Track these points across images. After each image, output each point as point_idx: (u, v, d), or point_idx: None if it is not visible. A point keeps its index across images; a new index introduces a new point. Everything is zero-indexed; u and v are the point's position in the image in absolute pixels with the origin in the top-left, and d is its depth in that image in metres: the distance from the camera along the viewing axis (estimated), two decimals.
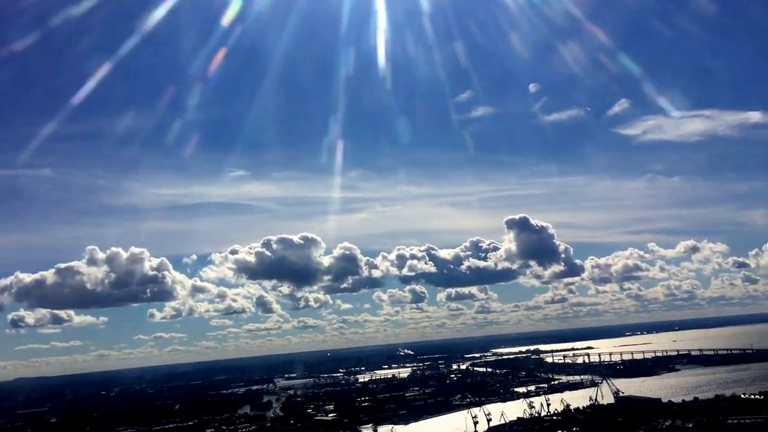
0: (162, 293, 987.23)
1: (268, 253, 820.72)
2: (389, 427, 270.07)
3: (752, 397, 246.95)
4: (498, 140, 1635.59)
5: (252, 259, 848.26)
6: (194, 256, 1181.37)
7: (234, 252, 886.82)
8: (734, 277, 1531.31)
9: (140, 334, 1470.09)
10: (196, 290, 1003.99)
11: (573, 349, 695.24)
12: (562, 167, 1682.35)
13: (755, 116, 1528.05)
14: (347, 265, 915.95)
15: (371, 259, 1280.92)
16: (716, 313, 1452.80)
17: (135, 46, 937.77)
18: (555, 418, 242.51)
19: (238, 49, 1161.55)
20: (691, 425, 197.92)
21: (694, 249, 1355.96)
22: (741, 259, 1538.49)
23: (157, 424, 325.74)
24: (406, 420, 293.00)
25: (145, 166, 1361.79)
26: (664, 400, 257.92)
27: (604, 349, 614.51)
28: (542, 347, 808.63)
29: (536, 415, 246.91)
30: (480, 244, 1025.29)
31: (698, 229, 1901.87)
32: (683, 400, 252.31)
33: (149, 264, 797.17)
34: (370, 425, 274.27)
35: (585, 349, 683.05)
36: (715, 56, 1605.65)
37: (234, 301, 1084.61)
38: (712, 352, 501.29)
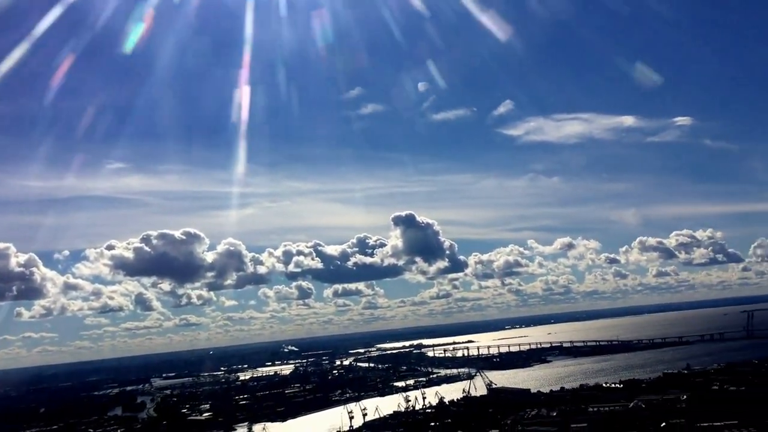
0: (30, 291, 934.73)
1: (147, 248, 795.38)
2: (267, 425, 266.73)
3: (613, 385, 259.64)
4: (386, 137, 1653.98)
5: (130, 255, 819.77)
6: (66, 252, 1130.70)
7: (110, 248, 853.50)
8: (606, 272, 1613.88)
9: (6, 334, 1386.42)
10: (68, 287, 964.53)
11: (454, 343, 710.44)
12: (449, 165, 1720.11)
13: (628, 120, 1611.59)
14: (232, 261, 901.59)
15: (257, 255, 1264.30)
16: (589, 306, 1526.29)
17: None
18: (429, 411, 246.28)
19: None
20: (555, 414, 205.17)
21: (570, 246, 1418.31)
22: (612, 256, 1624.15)
23: (18, 430, 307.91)
24: (283, 417, 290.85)
25: (12, 157, 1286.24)
26: (533, 390, 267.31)
27: (484, 343, 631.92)
28: (425, 342, 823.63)
29: (411, 408, 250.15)
30: (367, 241, 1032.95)
31: (575, 226, 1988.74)
32: (551, 390, 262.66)
33: (16, 260, 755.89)
34: (246, 424, 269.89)
35: (465, 342, 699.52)
36: (593, 62, 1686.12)
37: (111, 298, 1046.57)
38: (581, 344, 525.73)
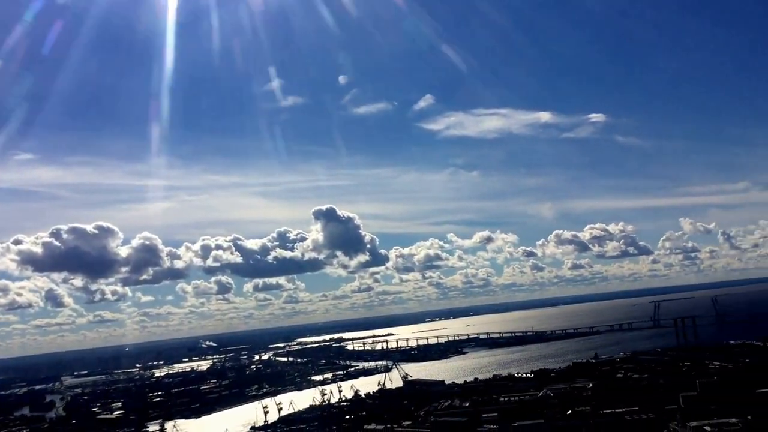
0: None
1: (57, 243, 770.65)
2: (178, 421, 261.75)
3: (524, 375, 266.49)
4: (307, 130, 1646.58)
5: (39, 249, 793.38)
6: None
7: (18, 242, 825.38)
8: (524, 265, 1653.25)
9: None
10: None
11: (374, 337, 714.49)
12: (369, 159, 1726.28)
13: (545, 116, 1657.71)
14: (147, 255, 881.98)
15: (174, 250, 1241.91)
16: (508, 298, 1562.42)
17: None
18: (345, 404, 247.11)
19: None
20: (467, 404, 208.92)
21: (489, 239, 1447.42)
22: (530, 249, 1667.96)
23: None
24: (197, 413, 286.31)
25: None
26: (448, 381, 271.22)
27: (403, 336, 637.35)
28: (346, 335, 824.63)
29: (327, 402, 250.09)
30: (287, 235, 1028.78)
31: (494, 220, 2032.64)
32: (465, 381, 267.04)
33: None
34: (158, 421, 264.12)
35: (385, 336, 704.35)
36: (511, 59, 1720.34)
37: (19, 295, 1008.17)
38: (497, 335, 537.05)
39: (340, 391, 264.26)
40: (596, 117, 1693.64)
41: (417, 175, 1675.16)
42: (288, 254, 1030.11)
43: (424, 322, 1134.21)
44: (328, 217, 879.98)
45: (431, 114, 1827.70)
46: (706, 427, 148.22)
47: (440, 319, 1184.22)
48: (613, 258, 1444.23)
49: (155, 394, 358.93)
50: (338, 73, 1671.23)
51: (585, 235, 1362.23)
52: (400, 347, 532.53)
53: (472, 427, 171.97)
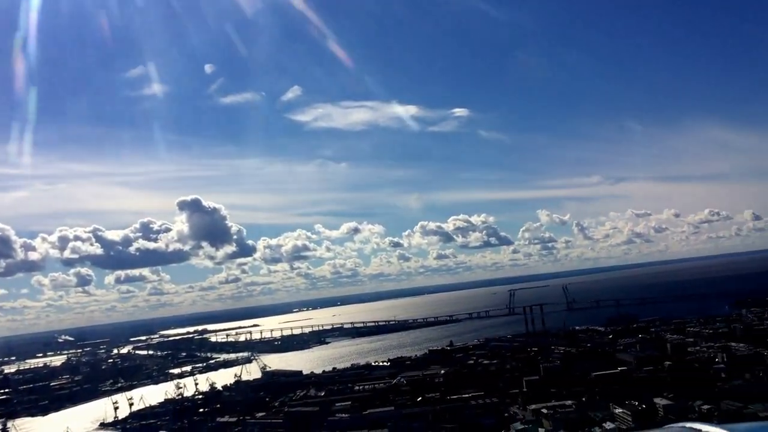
0: None
1: None
2: (22, 420, 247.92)
3: (381, 363, 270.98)
4: (172, 119, 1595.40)
5: None
6: None
7: None
8: (391, 255, 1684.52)
9: None
10: None
11: (239, 328, 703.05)
12: (236, 149, 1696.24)
13: (412, 110, 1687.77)
14: None
15: (29, 241, 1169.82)
16: (376, 288, 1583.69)
17: None
18: (200, 397, 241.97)
19: None
20: (322, 393, 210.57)
21: (356, 230, 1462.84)
22: (396, 239, 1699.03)
23: None
24: (45, 411, 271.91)
25: None
26: (306, 372, 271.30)
27: (269, 327, 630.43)
28: (210, 327, 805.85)
29: (181, 396, 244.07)
30: (151, 226, 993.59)
31: (361, 211, 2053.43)
32: (323, 371, 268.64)
33: None
34: (1, 420, 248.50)
35: (250, 327, 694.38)
36: (378, 51, 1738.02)
37: None
38: (361, 325, 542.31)
39: (196, 384, 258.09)
40: (460, 111, 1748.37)
41: (285, 166, 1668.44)
42: (152, 245, 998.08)
43: (292, 312, 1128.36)
44: (193, 207, 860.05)
45: (299, 105, 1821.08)
46: (543, 410, 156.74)
47: (308, 310, 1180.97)
48: (476, 248, 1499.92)
49: (1, 391, 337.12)
50: (204, 62, 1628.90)
51: (449, 225, 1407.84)
52: (264, 338, 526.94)
53: (324, 416, 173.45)
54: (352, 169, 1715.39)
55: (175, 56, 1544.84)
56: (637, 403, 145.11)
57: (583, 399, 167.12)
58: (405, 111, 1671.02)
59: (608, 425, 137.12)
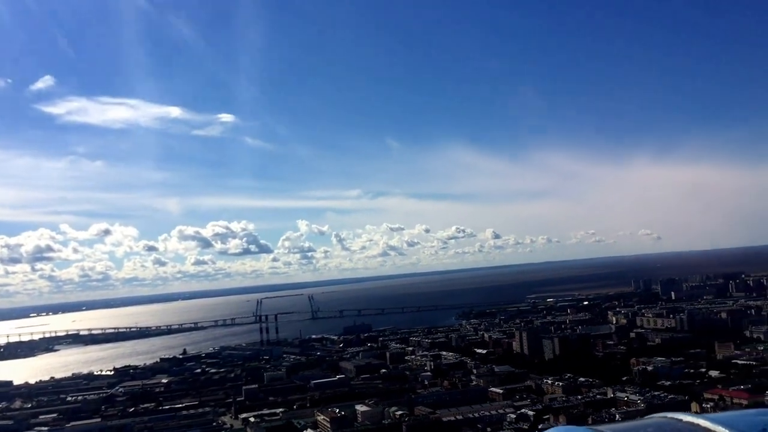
0: None
1: None
2: None
3: (105, 372, 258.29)
4: None
5: None
6: None
7: None
8: (145, 259, 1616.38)
9: None
10: None
11: None
12: None
13: (175, 111, 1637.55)
14: None
15: None
16: (129, 293, 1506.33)
17: None
18: None
19: None
20: (30, 405, 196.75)
21: (107, 232, 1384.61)
22: (152, 243, 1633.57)
23: None
24: None
25: None
26: (19, 382, 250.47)
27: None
28: None
29: None
30: None
31: (116, 212, 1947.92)
32: (38, 381, 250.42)
33: None
34: None
35: None
36: (143, 48, 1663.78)
37: None
38: (99, 332, 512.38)
39: None
40: (226, 117, 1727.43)
41: (32, 160, 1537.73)
42: None
43: (29, 316, 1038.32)
44: None
45: (51, 96, 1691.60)
46: (251, 418, 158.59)
47: (48, 314, 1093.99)
48: (236, 255, 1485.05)
49: None
50: None
51: (208, 231, 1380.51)
52: None
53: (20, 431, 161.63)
54: (107, 168, 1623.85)
55: None
56: (338, 410, 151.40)
57: (295, 407, 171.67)
58: (168, 112, 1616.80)
59: None
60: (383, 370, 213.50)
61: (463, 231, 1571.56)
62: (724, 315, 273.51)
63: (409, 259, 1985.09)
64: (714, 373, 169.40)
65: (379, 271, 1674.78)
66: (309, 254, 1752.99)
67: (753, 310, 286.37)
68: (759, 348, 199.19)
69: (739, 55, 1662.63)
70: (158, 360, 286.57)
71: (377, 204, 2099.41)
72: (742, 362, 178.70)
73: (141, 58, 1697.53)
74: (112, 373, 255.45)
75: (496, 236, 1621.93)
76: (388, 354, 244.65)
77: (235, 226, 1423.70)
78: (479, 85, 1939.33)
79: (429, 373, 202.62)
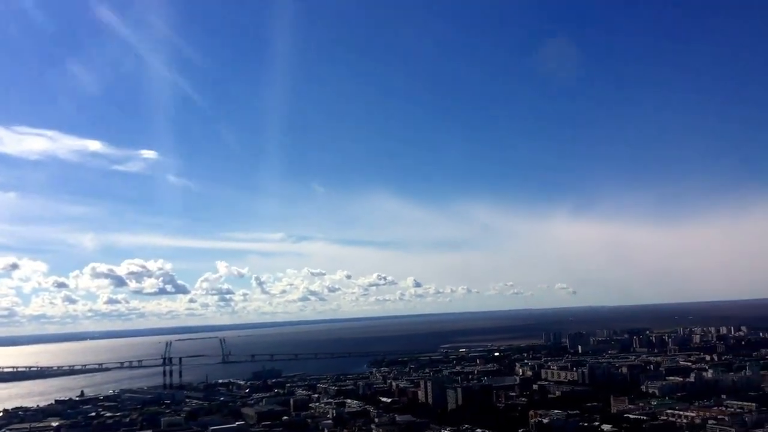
0: None
1: None
2: None
3: None
4: None
5: None
6: None
7: None
8: (55, 296, 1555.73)
9: None
10: None
11: None
12: None
13: (95, 145, 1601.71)
14: None
15: None
16: (36, 330, 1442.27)
17: None
18: None
19: None
20: None
21: (15, 266, 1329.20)
22: (62, 280, 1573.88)
23: None
24: None
25: None
26: None
27: None
28: None
29: None
30: None
31: (26, 246, 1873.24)
32: None
33: None
34: None
35: None
36: (63, 78, 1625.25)
37: None
38: None
39: None
40: (148, 153, 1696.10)
41: None
42: None
43: None
44: None
45: None
46: None
47: None
48: (151, 295, 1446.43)
49: None
50: None
51: (123, 269, 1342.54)
52: None
53: None
54: (20, 200, 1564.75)
55: None
56: None
57: None
58: (86, 146, 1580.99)
59: None
60: (285, 417, 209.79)
61: (385, 278, 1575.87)
62: (624, 369, 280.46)
63: (330, 304, 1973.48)
64: (606, 427, 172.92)
65: (299, 316, 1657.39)
66: (227, 296, 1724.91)
67: (652, 366, 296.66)
68: (652, 403, 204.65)
69: (653, 123, 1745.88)
70: (53, 402, 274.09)
71: (300, 248, 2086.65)
72: (634, 416, 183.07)
73: (60, 88, 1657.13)
74: (1, 415, 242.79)
75: (417, 284, 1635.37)
76: (292, 401, 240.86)
77: (152, 265, 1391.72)
78: (406, 134, 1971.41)
79: (330, 422, 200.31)
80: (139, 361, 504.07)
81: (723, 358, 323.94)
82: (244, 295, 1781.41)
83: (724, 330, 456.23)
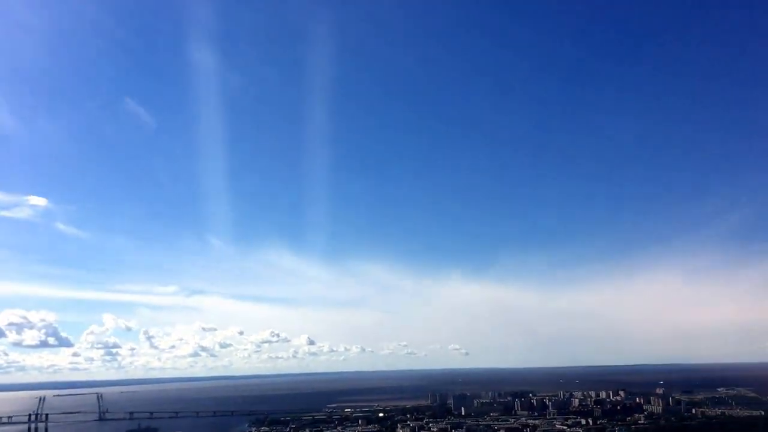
0: None
1: None
2: None
3: None
4: None
5: None
6: None
7: None
8: None
9: None
10: None
11: None
12: None
13: None
14: None
15: None
16: None
17: None
18: None
19: None
20: None
21: None
22: None
23: None
24: None
25: None
26: None
27: None
28: None
29: None
30: None
31: None
32: None
33: None
34: None
35: None
36: None
37: None
38: None
39: None
40: (37, 200, 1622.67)
41: None
42: None
43: None
44: None
45: None
46: None
47: None
48: (32, 347, 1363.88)
49: None
50: None
51: (2, 320, 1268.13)
52: None
53: None
54: None
55: None
56: None
57: None
58: None
59: None
60: None
61: (278, 335, 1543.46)
62: None
63: (221, 361, 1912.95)
64: None
65: (189, 372, 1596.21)
66: (114, 351, 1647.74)
67: (529, 429, 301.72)
68: None
69: (542, 197, 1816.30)
70: None
71: (193, 302, 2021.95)
72: None
73: None
74: None
75: (311, 342, 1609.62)
76: None
77: (34, 315, 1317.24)
78: (304, 191, 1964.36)
79: None
80: (9, 417, 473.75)
81: (598, 423, 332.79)
82: (132, 349, 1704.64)
83: (603, 394, 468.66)
